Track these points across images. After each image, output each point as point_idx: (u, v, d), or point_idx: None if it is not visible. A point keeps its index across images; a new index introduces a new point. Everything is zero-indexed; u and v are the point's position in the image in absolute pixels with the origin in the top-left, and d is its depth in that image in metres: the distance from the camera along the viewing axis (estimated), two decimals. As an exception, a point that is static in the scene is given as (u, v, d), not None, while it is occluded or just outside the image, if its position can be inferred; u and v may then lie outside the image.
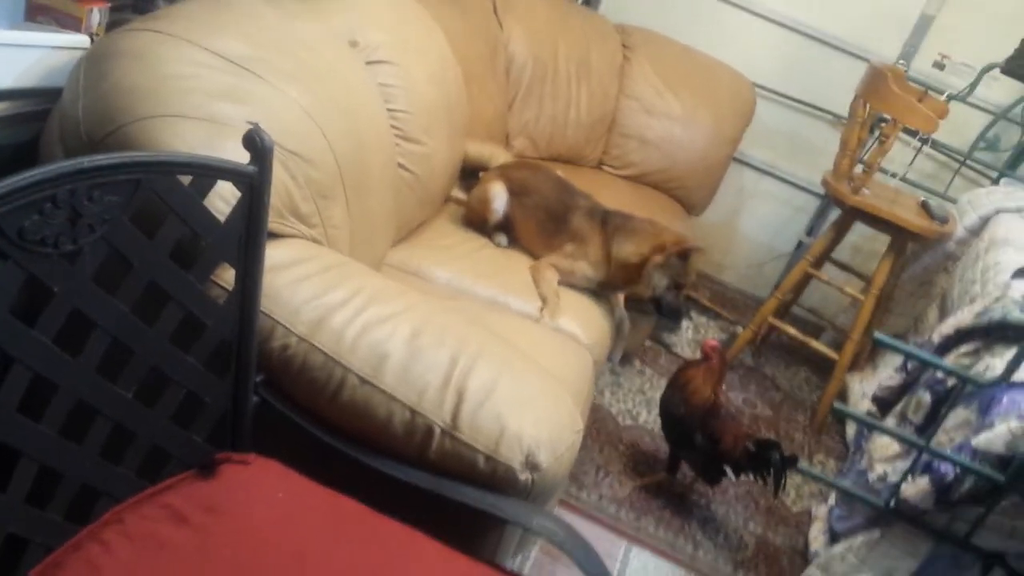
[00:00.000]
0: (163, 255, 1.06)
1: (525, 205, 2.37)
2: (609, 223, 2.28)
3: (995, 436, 1.72)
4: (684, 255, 2.19)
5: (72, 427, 1.02)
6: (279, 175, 1.38)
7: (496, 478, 1.25)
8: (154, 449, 1.15)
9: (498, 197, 2.36)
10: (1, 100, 1.43)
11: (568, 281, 2.25)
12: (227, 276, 1.21)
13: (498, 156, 2.65)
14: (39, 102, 1.48)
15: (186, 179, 1.06)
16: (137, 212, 0.98)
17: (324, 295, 1.33)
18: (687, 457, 2.38)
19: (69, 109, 1.35)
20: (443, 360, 1.32)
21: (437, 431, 1.26)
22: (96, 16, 1.58)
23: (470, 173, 2.58)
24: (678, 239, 2.21)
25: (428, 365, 1.30)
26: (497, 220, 2.37)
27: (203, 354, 1.17)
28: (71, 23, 1.55)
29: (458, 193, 2.56)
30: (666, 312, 2.28)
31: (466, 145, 2.54)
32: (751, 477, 2.32)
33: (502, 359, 1.41)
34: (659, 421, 2.47)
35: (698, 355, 2.41)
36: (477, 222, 2.42)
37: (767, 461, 2.22)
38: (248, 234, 1.16)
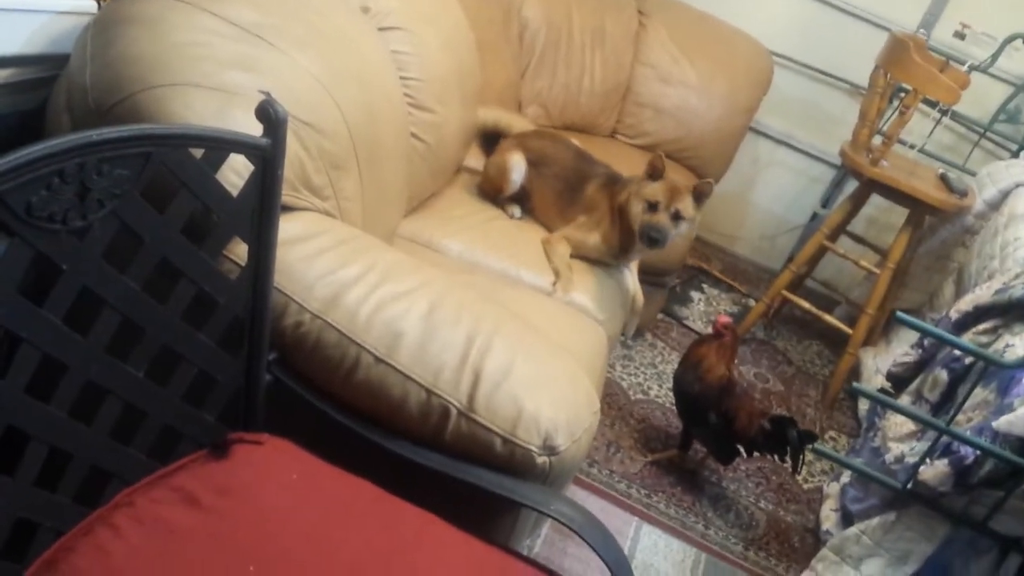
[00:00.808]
0: (174, 230, 1.02)
1: (543, 175, 2.32)
2: (618, 190, 2.23)
3: (1016, 418, 1.69)
4: (654, 174, 2.12)
5: (82, 408, 0.99)
6: (291, 146, 1.34)
7: (513, 461, 1.23)
8: (165, 429, 1.13)
9: (516, 168, 2.31)
10: (6, 67, 1.39)
11: (581, 253, 2.21)
12: (240, 251, 1.17)
13: (517, 123, 2.59)
14: (45, 69, 1.44)
15: (198, 152, 1.02)
16: (147, 186, 0.94)
17: (338, 270, 1.30)
18: (700, 435, 2.36)
19: (76, 76, 1.30)
20: (459, 339, 1.29)
21: (453, 412, 1.23)
22: (104, -21, 1.54)
23: (489, 140, 2.53)
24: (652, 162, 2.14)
25: (444, 344, 1.27)
26: (514, 191, 2.33)
27: (215, 332, 1.14)
28: (77, -13, 1.51)
29: (472, 162, 2.52)
30: (644, 236, 2.12)
31: (484, 112, 2.49)
32: (765, 455, 2.30)
33: (519, 338, 1.38)
34: (670, 395, 2.45)
35: (710, 329, 2.38)
36: (492, 192, 2.37)
37: (784, 439, 2.19)
38: (261, 208, 1.12)
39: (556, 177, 2.31)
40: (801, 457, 2.22)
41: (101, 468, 1.05)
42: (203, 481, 1.11)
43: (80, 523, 1.01)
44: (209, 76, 1.29)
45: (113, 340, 0.99)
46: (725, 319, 2.31)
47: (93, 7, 1.49)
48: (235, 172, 1.15)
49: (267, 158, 1.09)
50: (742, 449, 2.29)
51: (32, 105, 1.42)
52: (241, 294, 1.15)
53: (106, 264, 0.94)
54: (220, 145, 1.05)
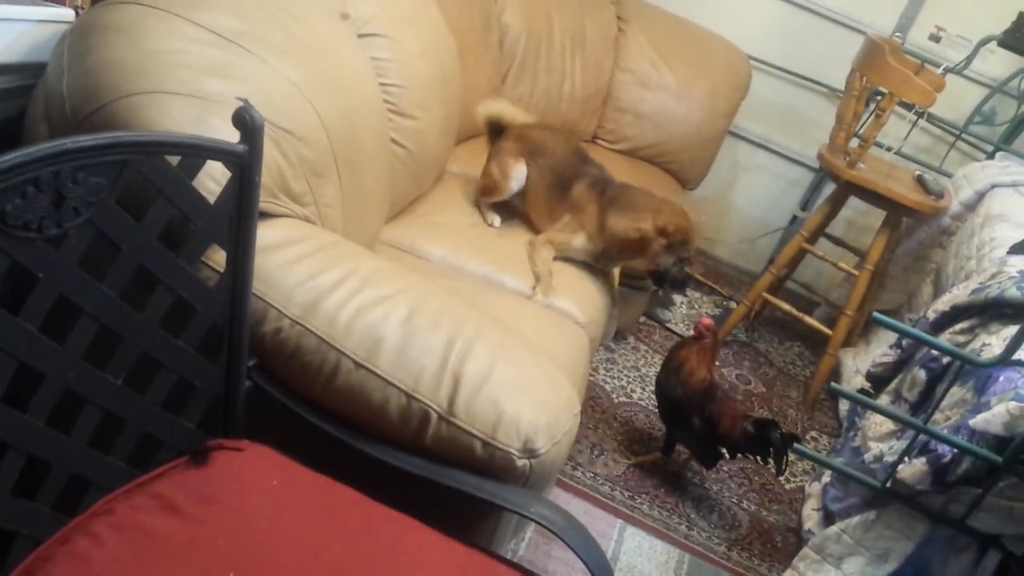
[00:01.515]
0: (151, 238, 1.02)
1: (538, 166, 2.30)
2: (607, 194, 2.23)
3: (993, 416, 1.70)
4: (686, 238, 2.17)
5: (60, 416, 0.99)
6: (270, 153, 1.35)
7: (494, 464, 1.23)
8: (145, 437, 1.13)
9: (516, 176, 2.29)
10: (-17, 75, 1.39)
11: (564, 254, 2.22)
12: (218, 258, 1.17)
13: (520, 116, 2.52)
14: (23, 77, 1.44)
15: (174, 159, 1.02)
16: (124, 194, 0.94)
17: (317, 276, 1.30)
18: (683, 439, 2.38)
19: (54, 85, 1.30)
20: (439, 343, 1.29)
21: (434, 416, 1.24)
22: (80, -12, 1.54)
23: (496, 132, 2.47)
24: (677, 220, 2.16)
25: (424, 349, 1.28)
26: (508, 197, 2.32)
27: (194, 339, 1.14)
28: (55, -5, 1.51)
29: (455, 167, 2.53)
30: (671, 285, 2.26)
31: (488, 104, 2.46)
32: (748, 457, 2.31)
33: (499, 342, 1.38)
34: (654, 398, 2.46)
35: (692, 331, 2.39)
36: (486, 192, 2.35)
37: (767, 441, 2.21)
38: (239, 215, 1.12)
39: (550, 170, 2.29)
40: (785, 459, 2.23)
41: (80, 476, 1.05)
42: (183, 488, 1.10)
43: (59, 531, 1.01)
44: (186, 83, 1.29)
45: (91, 348, 0.99)
46: (707, 321, 2.32)
47: (71, 15, 1.49)
48: (212, 179, 1.15)
49: (244, 165, 1.09)
50: (725, 452, 2.31)
51: (10, 114, 1.41)
52: (220, 301, 1.15)
53: (83, 272, 0.94)
54: (196, 152, 1.05)
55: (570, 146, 2.38)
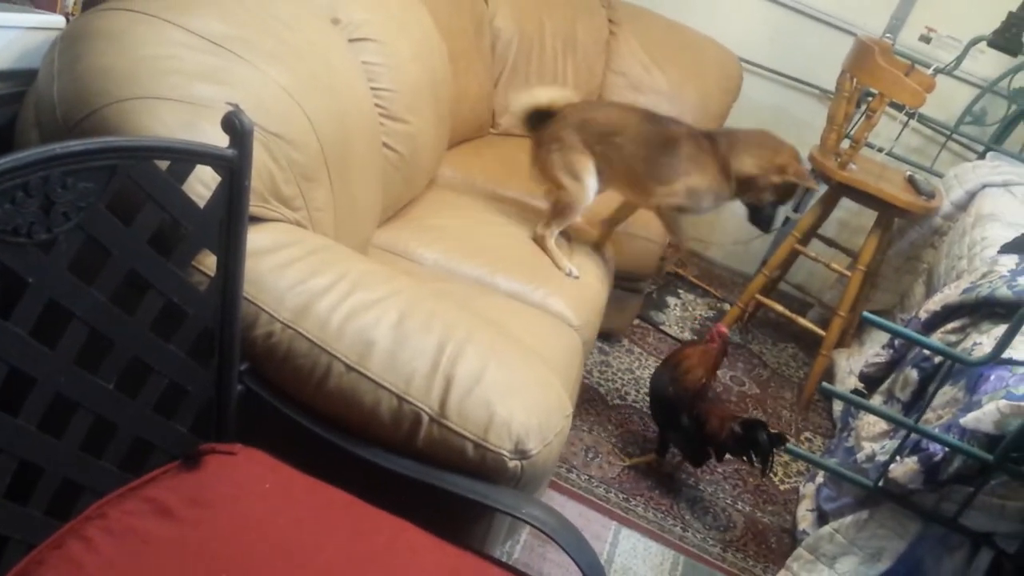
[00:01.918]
0: (141, 242, 1.03)
1: (616, 145, 2.19)
2: (719, 142, 2.21)
3: (983, 415, 1.71)
4: (797, 182, 2.21)
5: (51, 420, 0.99)
6: (260, 158, 1.35)
7: (485, 466, 1.24)
8: (137, 441, 1.13)
9: (592, 177, 2.20)
10: (-27, 82, 1.39)
11: (696, 207, 2.23)
12: (208, 262, 1.18)
13: (566, 95, 2.32)
14: (14, 84, 1.44)
15: (164, 164, 1.03)
16: (114, 199, 0.95)
17: (309, 280, 1.30)
18: (673, 438, 2.38)
19: (44, 92, 1.31)
20: (431, 346, 1.30)
21: (425, 418, 1.24)
22: (71, -5, 1.54)
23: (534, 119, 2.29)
24: (796, 166, 2.20)
25: (415, 351, 1.28)
26: (591, 201, 2.24)
27: (185, 343, 1.15)
28: (46, 3, 1.51)
29: (447, 171, 2.53)
30: (760, 221, 2.31)
31: (536, 93, 2.29)
32: (739, 458, 2.32)
33: (490, 344, 1.38)
34: (648, 400, 2.46)
35: (686, 334, 2.40)
36: (560, 215, 2.22)
37: (754, 441, 2.22)
38: (229, 219, 1.13)
39: (634, 143, 2.19)
40: (771, 459, 2.24)
41: (72, 480, 1.05)
42: (176, 492, 1.11)
43: (51, 536, 1.01)
44: (177, 89, 1.29)
45: (82, 352, 0.99)
46: (723, 329, 2.32)
47: (61, 22, 1.49)
48: (202, 184, 1.15)
49: (233, 169, 1.09)
50: (713, 453, 2.31)
51: (0, 121, 1.42)
52: (211, 305, 1.16)
53: (73, 277, 0.95)
54: (185, 157, 1.06)
55: (637, 113, 2.28)
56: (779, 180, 2.18)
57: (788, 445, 2.17)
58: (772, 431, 2.23)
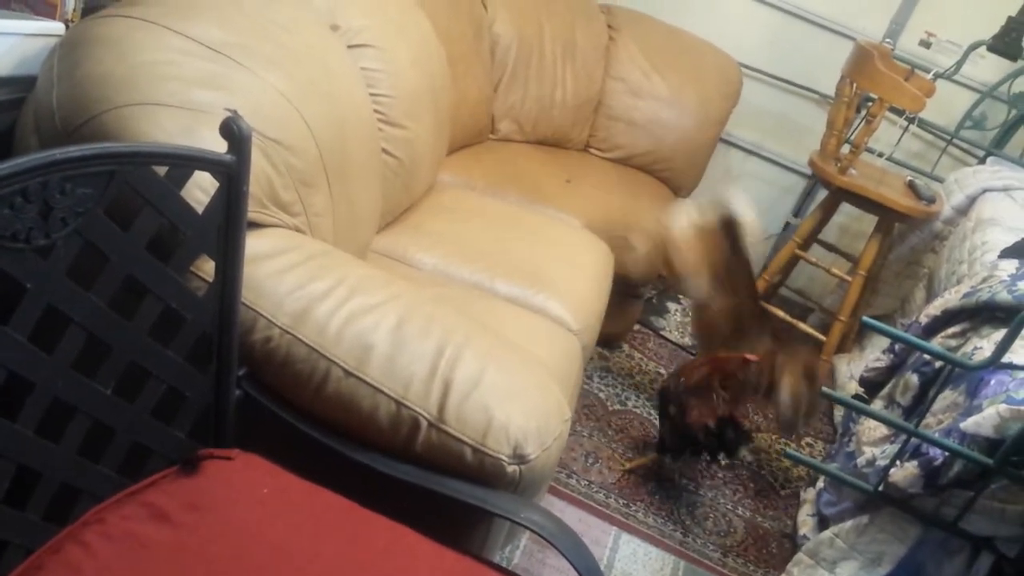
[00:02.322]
0: (140, 248, 1.03)
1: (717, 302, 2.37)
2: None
3: (984, 419, 1.71)
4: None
5: (49, 425, 0.99)
6: (259, 163, 1.35)
7: (484, 471, 1.24)
8: (135, 446, 1.13)
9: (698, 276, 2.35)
10: (-27, 89, 1.39)
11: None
12: (207, 268, 1.18)
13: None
14: (13, 91, 1.44)
15: (162, 169, 1.03)
16: (112, 204, 0.95)
17: (307, 285, 1.30)
18: (662, 427, 2.39)
19: (43, 98, 1.31)
20: (429, 350, 1.30)
21: (423, 423, 1.24)
22: (71, 2, 1.55)
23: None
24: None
25: (414, 356, 1.28)
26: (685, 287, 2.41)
27: (184, 348, 1.15)
28: (45, 10, 1.52)
29: (446, 176, 2.53)
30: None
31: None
32: (702, 452, 2.33)
33: (489, 348, 1.38)
34: (648, 406, 2.47)
35: (686, 339, 2.40)
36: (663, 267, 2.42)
37: (721, 438, 2.23)
38: (228, 224, 1.13)
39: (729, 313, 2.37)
40: (737, 452, 2.30)
41: (70, 485, 1.06)
42: (174, 497, 1.11)
43: (50, 541, 1.01)
44: (175, 95, 1.30)
45: (80, 357, 1.00)
46: (754, 359, 2.33)
47: (60, 29, 1.49)
48: (200, 189, 1.15)
49: (232, 175, 1.10)
50: (690, 446, 2.32)
51: (0, 127, 1.42)
52: (209, 310, 1.16)
53: (71, 282, 0.95)
54: (183, 162, 1.06)
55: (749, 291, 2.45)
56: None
57: (788, 450, 2.17)
58: (741, 429, 2.26)
